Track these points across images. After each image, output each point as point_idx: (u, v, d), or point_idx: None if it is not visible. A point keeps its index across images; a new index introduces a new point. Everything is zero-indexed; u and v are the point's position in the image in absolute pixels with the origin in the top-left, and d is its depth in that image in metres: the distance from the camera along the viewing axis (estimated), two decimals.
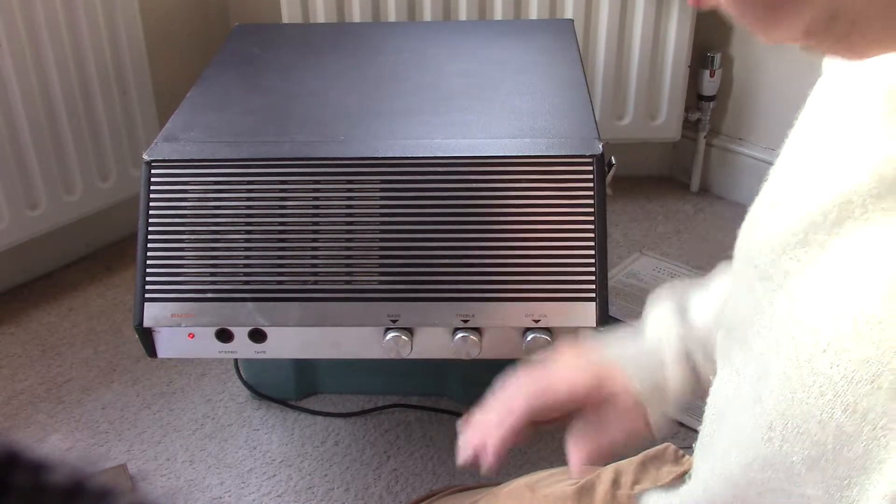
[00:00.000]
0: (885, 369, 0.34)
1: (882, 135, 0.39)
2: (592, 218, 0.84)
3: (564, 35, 1.19)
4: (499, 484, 0.79)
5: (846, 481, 0.37)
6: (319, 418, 1.19)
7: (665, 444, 0.73)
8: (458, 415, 1.18)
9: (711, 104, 1.66)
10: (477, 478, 1.07)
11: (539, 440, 1.14)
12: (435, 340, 0.86)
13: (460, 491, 0.83)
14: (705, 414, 0.53)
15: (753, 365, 0.45)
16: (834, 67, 0.47)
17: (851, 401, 0.36)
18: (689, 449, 0.64)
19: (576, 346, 0.66)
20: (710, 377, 0.56)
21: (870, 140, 0.40)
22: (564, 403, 0.63)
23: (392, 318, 0.84)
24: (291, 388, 1.21)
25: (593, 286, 0.83)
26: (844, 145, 0.42)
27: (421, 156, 0.86)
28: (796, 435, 0.39)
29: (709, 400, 0.54)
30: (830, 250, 0.39)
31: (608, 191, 0.86)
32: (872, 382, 0.35)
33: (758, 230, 0.46)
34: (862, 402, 0.35)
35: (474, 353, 0.85)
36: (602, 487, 0.71)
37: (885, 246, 0.37)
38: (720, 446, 0.48)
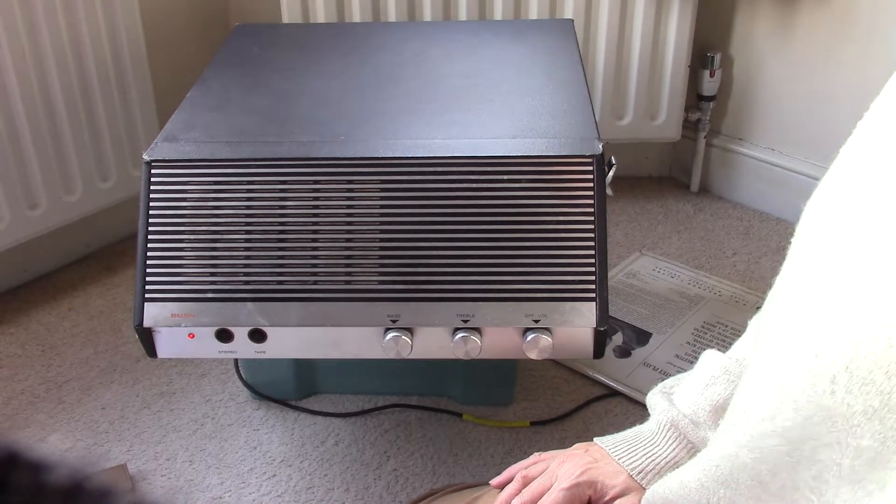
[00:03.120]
0: None
1: None
2: (592, 218, 0.84)
3: (564, 35, 1.19)
4: None
5: None
6: (319, 418, 1.19)
7: None
8: (458, 415, 1.18)
9: (711, 104, 1.66)
10: (477, 478, 1.07)
11: (539, 441, 1.14)
12: (435, 340, 0.86)
13: (460, 490, 0.83)
14: (740, 385, 0.54)
15: (808, 321, 0.45)
16: None
17: None
18: None
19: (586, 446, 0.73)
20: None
21: None
22: (561, 500, 0.69)
23: (392, 318, 0.84)
24: (291, 388, 1.21)
25: (593, 286, 0.83)
26: None
27: (421, 156, 0.86)
28: (860, 386, 0.39)
29: (745, 373, 0.55)
30: None
31: (608, 191, 0.86)
32: None
33: (825, 203, 0.47)
34: None
35: (474, 353, 0.85)
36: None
37: None
38: (765, 407, 0.48)
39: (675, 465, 0.68)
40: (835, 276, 0.44)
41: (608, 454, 0.70)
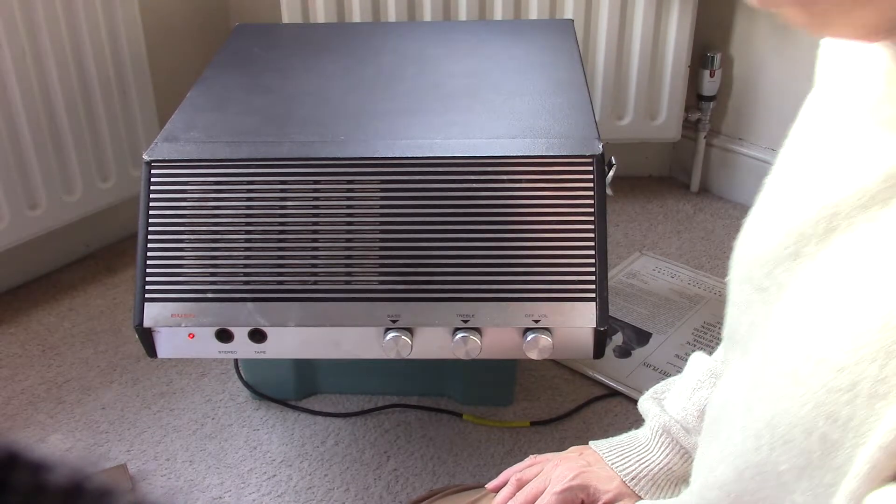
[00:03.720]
0: (861, 378, 0.34)
1: (866, 147, 0.40)
2: (592, 218, 0.84)
3: (564, 35, 1.19)
4: None
5: (833, 488, 0.37)
6: (319, 418, 1.19)
7: None
8: (458, 415, 1.18)
9: (711, 104, 1.66)
10: (477, 478, 1.07)
11: (539, 441, 1.14)
12: (435, 340, 0.86)
13: (460, 491, 0.83)
14: (703, 424, 0.55)
15: (749, 374, 0.46)
16: (823, 80, 0.47)
17: (833, 410, 0.36)
18: None
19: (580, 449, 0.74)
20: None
21: (855, 152, 0.40)
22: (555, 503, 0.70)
23: (392, 318, 0.84)
24: (291, 388, 1.21)
25: (593, 286, 0.83)
26: (831, 158, 0.42)
27: (421, 156, 0.86)
28: (783, 444, 0.39)
29: (707, 409, 0.55)
30: (819, 262, 0.40)
31: (608, 191, 0.86)
32: (850, 391, 0.35)
33: (751, 243, 0.47)
34: (843, 411, 0.35)
35: (474, 353, 0.85)
36: None
37: (865, 255, 0.37)
38: (715, 455, 0.48)
39: (668, 471, 0.68)
40: (765, 322, 0.45)
41: (602, 459, 0.71)
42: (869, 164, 0.38)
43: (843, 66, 0.45)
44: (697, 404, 0.68)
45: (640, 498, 0.68)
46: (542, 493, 0.69)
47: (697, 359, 0.72)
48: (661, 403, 0.71)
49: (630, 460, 0.69)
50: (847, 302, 0.36)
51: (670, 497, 0.68)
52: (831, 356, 0.36)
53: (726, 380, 0.50)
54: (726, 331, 0.52)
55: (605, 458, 0.70)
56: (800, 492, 0.39)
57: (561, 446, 0.77)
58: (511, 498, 0.70)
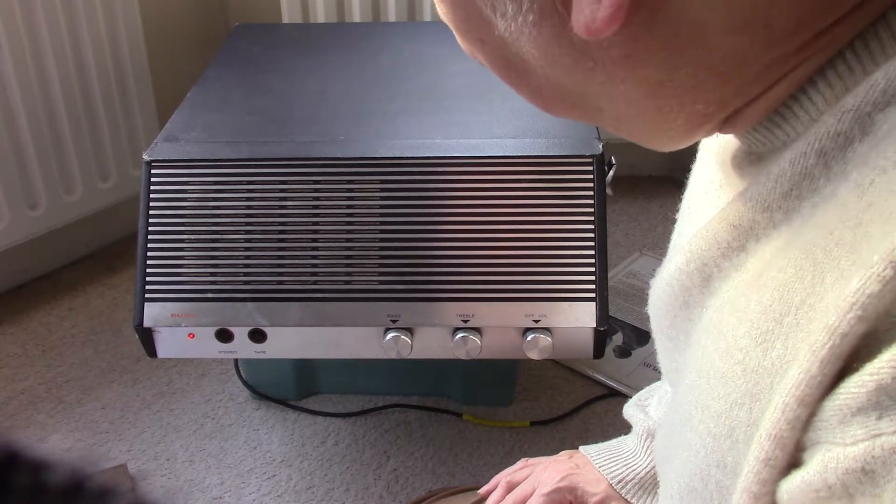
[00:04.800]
0: (735, 423, 0.34)
1: (715, 201, 0.43)
2: (592, 218, 0.84)
3: None
4: None
5: None
6: (319, 418, 1.19)
7: None
8: (458, 415, 1.18)
9: None
10: (477, 478, 1.07)
11: (539, 442, 1.14)
12: (435, 340, 0.86)
13: (460, 491, 0.83)
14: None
15: (669, 419, 0.46)
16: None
17: (720, 457, 0.36)
18: None
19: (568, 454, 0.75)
20: None
21: (711, 205, 0.43)
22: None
23: (392, 318, 0.84)
24: (291, 388, 1.21)
25: (593, 286, 0.83)
26: (697, 210, 0.45)
27: (421, 156, 0.86)
28: (689, 492, 0.39)
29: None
30: (708, 308, 0.40)
31: (608, 191, 0.86)
32: (730, 437, 0.35)
33: (654, 295, 0.48)
34: (728, 457, 0.35)
35: (474, 353, 0.85)
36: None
37: (730, 301, 0.37)
38: (660, 496, 0.49)
39: (655, 475, 0.69)
40: (676, 371, 0.45)
41: (591, 462, 0.71)
42: (717, 216, 0.40)
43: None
44: None
45: (628, 502, 0.69)
46: (530, 495, 0.70)
47: None
48: (644, 409, 0.72)
49: (618, 464, 0.70)
50: (718, 348, 0.37)
51: (657, 501, 0.69)
52: (711, 404, 0.36)
53: (664, 420, 0.51)
54: (661, 369, 0.53)
55: (594, 461, 0.71)
56: None
57: (561, 446, 0.77)
58: (501, 500, 0.71)
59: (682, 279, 0.42)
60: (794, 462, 0.31)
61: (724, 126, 0.38)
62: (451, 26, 0.39)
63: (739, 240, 0.38)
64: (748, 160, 0.41)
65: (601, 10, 0.32)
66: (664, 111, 0.37)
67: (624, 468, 0.70)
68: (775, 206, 0.36)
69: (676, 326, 0.44)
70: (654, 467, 0.69)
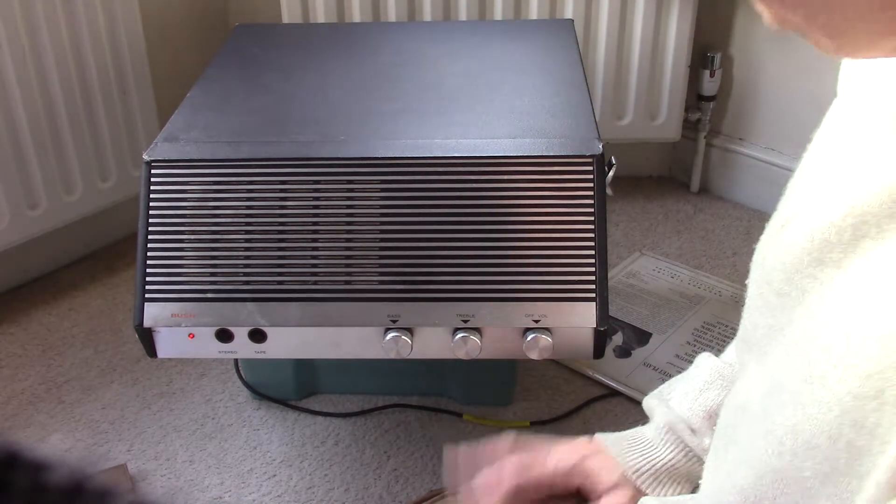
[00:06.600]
0: (888, 385, 0.34)
1: (892, 156, 0.39)
2: (592, 218, 0.84)
3: (564, 35, 1.19)
4: None
5: (857, 495, 0.36)
6: (319, 418, 1.19)
7: None
8: (458, 415, 1.18)
9: (711, 104, 1.66)
10: None
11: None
12: (435, 340, 0.86)
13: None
14: (717, 427, 0.55)
15: (767, 379, 0.45)
16: (848, 89, 0.47)
17: (860, 416, 0.36)
18: None
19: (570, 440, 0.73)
20: (703, 450, 0.66)
21: (882, 161, 0.40)
22: (551, 478, 0.68)
23: (392, 318, 0.84)
24: (291, 388, 1.21)
25: (593, 286, 0.83)
26: (858, 165, 0.42)
27: (421, 156, 0.86)
28: (807, 450, 0.39)
29: (721, 412, 0.55)
30: (848, 269, 0.39)
31: (608, 191, 0.86)
32: (877, 398, 0.35)
33: (773, 248, 0.46)
34: (870, 418, 0.35)
35: (474, 353, 0.85)
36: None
37: (893, 264, 0.37)
38: (731, 459, 0.48)
39: (671, 468, 0.68)
40: (787, 327, 0.44)
41: (608, 449, 0.71)
42: (895, 174, 0.38)
43: (867, 76, 0.45)
44: (704, 405, 0.69)
45: (641, 491, 0.68)
46: (541, 462, 0.69)
47: (705, 360, 0.72)
48: (667, 403, 0.72)
49: (635, 453, 0.70)
50: (874, 310, 0.36)
51: (670, 494, 0.68)
52: (858, 363, 0.36)
53: (742, 384, 0.50)
54: (741, 334, 0.52)
55: (611, 449, 0.70)
56: (824, 497, 0.38)
57: None
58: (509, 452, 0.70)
59: (827, 233, 0.40)
60: None
61: None
62: None
63: None
64: None
65: None
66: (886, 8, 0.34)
67: (641, 458, 0.69)
68: None
69: (794, 282, 0.43)
70: (671, 460, 0.68)
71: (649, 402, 0.73)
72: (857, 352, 0.36)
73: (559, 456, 0.69)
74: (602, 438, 0.73)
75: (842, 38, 0.36)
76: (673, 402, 0.72)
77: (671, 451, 0.69)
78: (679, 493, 0.67)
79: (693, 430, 0.69)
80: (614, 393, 1.22)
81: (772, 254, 0.47)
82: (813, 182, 0.47)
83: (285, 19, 1.51)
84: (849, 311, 0.38)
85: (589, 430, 1.15)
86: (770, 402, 0.43)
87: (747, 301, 0.51)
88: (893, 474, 0.33)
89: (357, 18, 1.50)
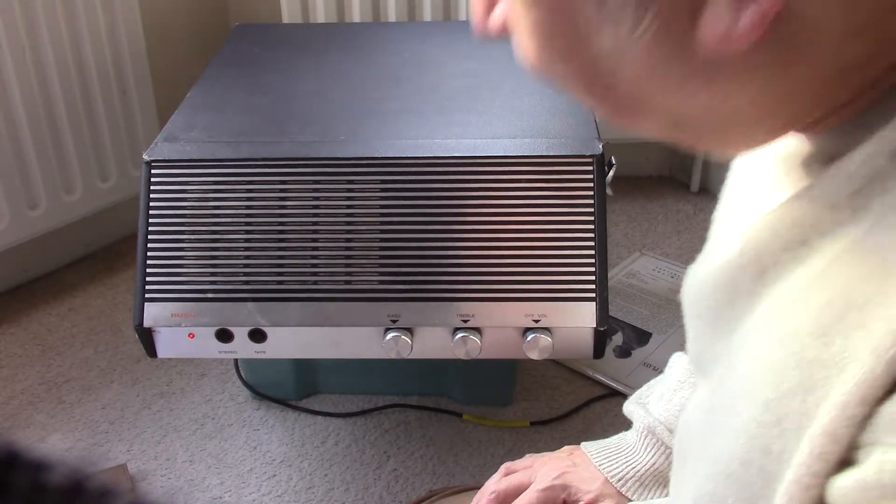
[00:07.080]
0: (786, 412, 0.35)
1: (770, 197, 0.42)
2: (592, 218, 0.84)
3: None
4: None
5: None
6: (319, 418, 1.19)
7: None
8: (458, 415, 1.18)
9: None
10: (477, 478, 1.07)
11: (539, 442, 1.14)
12: (435, 340, 0.86)
13: (460, 491, 0.83)
14: (673, 445, 0.55)
15: (706, 402, 0.46)
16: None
17: (766, 443, 0.36)
18: None
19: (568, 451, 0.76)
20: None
21: (764, 201, 0.42)
22: (536, 499, 0.71)
23: (392, 318, 0.84)
24: (291, 388, 1.21)
25: (593, 286, 0.83)
26: (748, 205, 0.45)
27: (421, 156, 0.86)
28: (726, 477, 0.39)
29: (675, 433, 0.56)
30: (757, 300, 0.41)
31: (608, 191, 0.86)
32: (779, 425, 0.35)
33: (697, 280, 0.48)
34: (775, 444, 0.35)
35: (474, 353, 0.85)
36: None
37: (790, 293, 0.38)
38: (680, 482, 0.49)
39: (655, 471, 0.69)
40: (714, 358, 0.46)
41: (590, 459, 0.72)
42: (781, 212, 0.40)
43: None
44: (678, 405, 0.69)
45: (626, 498, 0.69)
46: (525, 486, 0.71)
47: (678, 359, 0.73)
48: (645, 406, 0.72)
49: (617, 461, 0.71)
50: (772, 337, 0.37)
51: (658, 497, 0.69)
52: (760, 391, 0.37)
53: (690, 404, 0.51)
54: (690, 355, 0.53)
55: (593, 458, 0.72)
56: None
57: (561, 446, 0.77)
58: (497, 485, 0.73)
59: (732, 270, 0.42)
60: (846, 459, 0.32)
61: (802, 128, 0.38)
62: (530, 39, 0.37)
63: (801, 234, 0.37)
64: (813, 159, 0.40)
65: (743, 20, 0.30)
66: (758, 120, 0.36)
67: (624, 465, 0.70)
68: (843, 204, 0.35)
69: (720, 315, 0.44)
70: (654, 464, 0.69)
71: (629, 407, 0.74)
72: (758, 379, 0.37)
73: (540, 475, 0.72)
74: (585, 449, 0.74)
75: (726, 147, 0.40)
76: (650, 405, 0.72)
77: (653, 455, 0.70)
78: (667, 496, 0.68)
79: (671, 431, 0.69)
80: (614, 393, 1.22)
81: (694, 290, 0.48)
82: (718, 223, 0.50)
83: (285, 19, 1.51)
84: (755, 340, 0.39)
85: (589, 429, 1.15)
86: (705, 427, 0.44)
87: (687, 333, 0.52)
88: (791, 498, 0.34)
89: (357, 18, 1.50)
